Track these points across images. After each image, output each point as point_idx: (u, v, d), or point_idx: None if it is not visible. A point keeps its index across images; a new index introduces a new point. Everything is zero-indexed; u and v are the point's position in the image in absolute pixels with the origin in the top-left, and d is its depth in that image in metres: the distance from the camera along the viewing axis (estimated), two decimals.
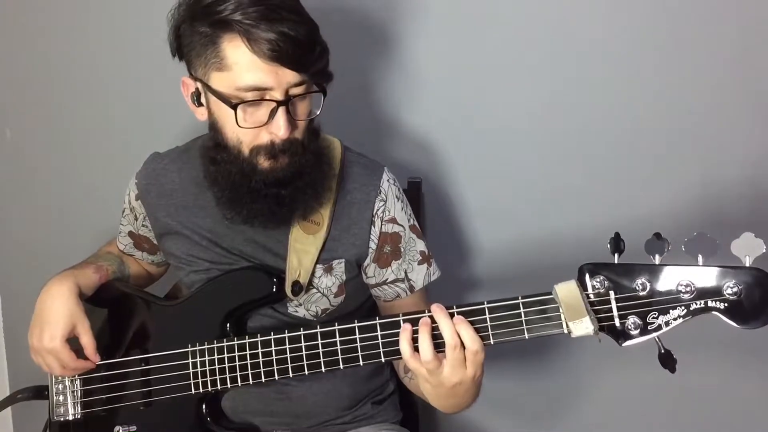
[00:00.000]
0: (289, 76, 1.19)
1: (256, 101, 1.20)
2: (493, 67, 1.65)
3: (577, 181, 1.65)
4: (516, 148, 1.68)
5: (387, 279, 1.42)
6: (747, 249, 1.01)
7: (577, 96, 1.62)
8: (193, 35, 1.22)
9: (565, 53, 1.61)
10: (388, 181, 1.41)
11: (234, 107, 1.21)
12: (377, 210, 1.38)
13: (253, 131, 1.23)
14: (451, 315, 1.14)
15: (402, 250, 1.41)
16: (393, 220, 1.40)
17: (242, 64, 1.18)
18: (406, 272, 1.42)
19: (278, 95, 1.20)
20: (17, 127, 2.05)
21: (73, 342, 1.38)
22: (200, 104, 1.29)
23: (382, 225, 1.39)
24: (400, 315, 1.20)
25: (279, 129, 1.21)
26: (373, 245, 1.39)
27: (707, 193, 1.53)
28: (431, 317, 1.15)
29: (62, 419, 1.47)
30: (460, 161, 1.72)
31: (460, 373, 1.14)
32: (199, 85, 1.27)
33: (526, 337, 1.12)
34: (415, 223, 1.45)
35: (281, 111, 1.20)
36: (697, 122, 1.57)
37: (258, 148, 1.24)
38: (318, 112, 1.27)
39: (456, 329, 1.13)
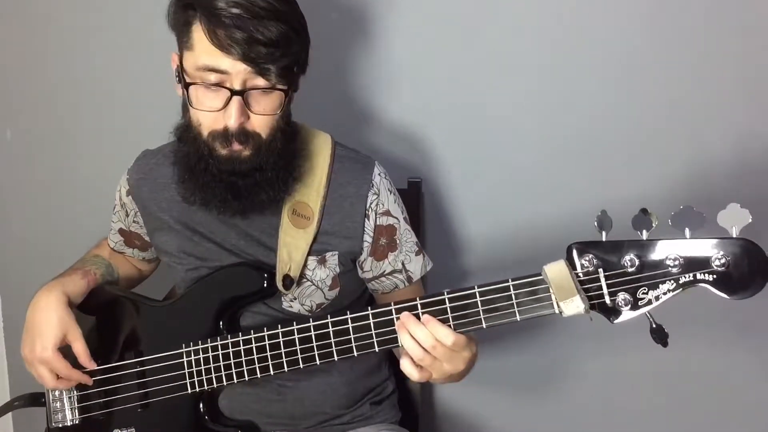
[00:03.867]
0: (244, 67, 1.19)
1: (213, 86, 1.21)
2: (493, 67, 1.65)
3: (576, 177, 1.64)
4: (515, 147, 1.68)
5: (384, 271, 1.42)
6: (733, 220, 1.01)
7: (572, 91, 1.62)
8: (177, 13, 1.24)
9: (559, 50, 1.61)
10: (379, 174, 1.40)
11: (186, 86, 1.23)
12: (371, 203, 1.38)
13: (211, 115, 1.23)
14: (419, 316, 1.17)
15: (398, 241, 1.41)
16: (387, 213, 1.40)
17: (202, 45, 1.20)
18: (403, 263, 1.42)
19: (236, 84, 1.20)
20: (17, 127, 2.05)
21: (67, 352, 1.38)
22: (180, 81, 1.29)
23: (376, 218, 1.39)
24: (392, 304, 1.20)
25: (229, 118, 1.21)
26: (368, 239, 1.39)
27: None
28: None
29: (60, 425, 1.47)
30: (459, 161, 1.72)
31: (457, 360, 1.17)
32: (179, 61, 1.28)
33: (518, 319, 1.12)
34: (407, 215, 1.45)
35: (235, 100, 1.21)
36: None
37: (215, 133, 1.24)
38: (279, 113, 1.26)
39: (429, 330, 1.15)
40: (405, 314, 1.17)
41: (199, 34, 1.20)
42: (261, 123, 1.25)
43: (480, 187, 1.72)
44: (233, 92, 1.20)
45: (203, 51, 1.19)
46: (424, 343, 1.15)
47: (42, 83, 1.99)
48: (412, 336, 1.15)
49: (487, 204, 1.72)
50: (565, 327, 1.71)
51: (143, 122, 1.88)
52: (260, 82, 1.21)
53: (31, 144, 2.05)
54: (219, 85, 1.20)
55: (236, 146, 1.24)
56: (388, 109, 1.73)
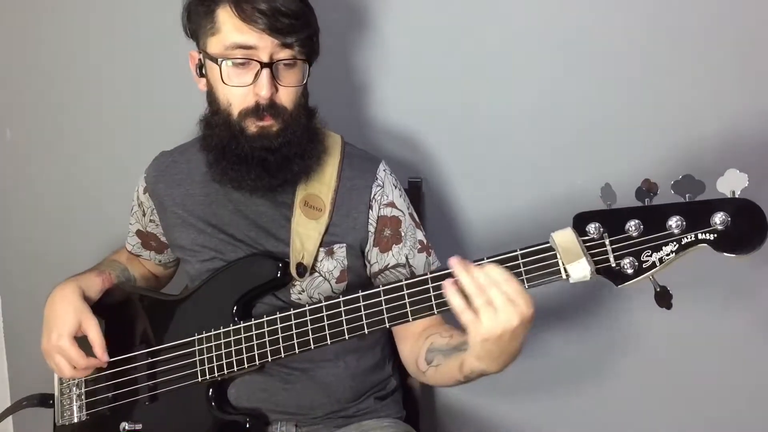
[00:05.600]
0: (271, 40, 1.29)
1: (243, 62, 1.30)
2: (492, 67, 1.69)
3: (577, 176, 1.66)
4: (514, 147, 1.70)
5: (388, 264, 1.45)
6: (732, 184, 1.05)
7: (572, 89, 1.64)
8: (198, 8, 1.34)
9: (558, 47, 1.64)
10: (384, 170, 1.47)
11: (219, 64, 1.31)
12: (374, 194, 1.44)
13: (241, 94, 1.32)
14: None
15: (402, 234, 1.45)
16: (391, 205, 1.45)
17: (230, 25, 1.30)
18: (407, 257, 1.45)
19: (264, 57, 1.30)
20: (17, 127, 2.08)
21: (82, 343, 1.39)
22: (202, 75, 1.38)
23: (380, 209, 1.44)
24: (403, 280, 1.22)
25: (261, 88, 1.30)
26: (371, 228, 1.43)
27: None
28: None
29: (67, 423, 1.47)
30: (460, 161, 1.75)
31: (512, 312, 1.09)
32: (201, 55, 1.37)
33: (526, 287, 1.14)
34: (414, 213, 1.49)
35: (264, 72, 1.30)
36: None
37: (246, 111, 1.32)
38: (304, 81, 1.36)
39: (486, 271, 1.11)
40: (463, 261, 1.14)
41: (224, 14, 1.30)
42: (288, 96, 1.34)
43: (481, 187, 1.74)
44: (263, 65, 1.29)
45: (230, 29, 1.29)
46: (481, 279, 1.11)
47: (42, 83, 2.03)
48: (468, 275, 1.12)
49: (488, 204, 1.74)
50: (565, 324, 1.72)
51: (142, 123, 1.94)
52: (285, 54, 1.31)
53: (31, 144, 2.08)
54: (248, 59, 1.29)
55: (267, 120, 1.32)
56: (388, 108, 1.78)
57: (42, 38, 2.01)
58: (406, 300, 1.22)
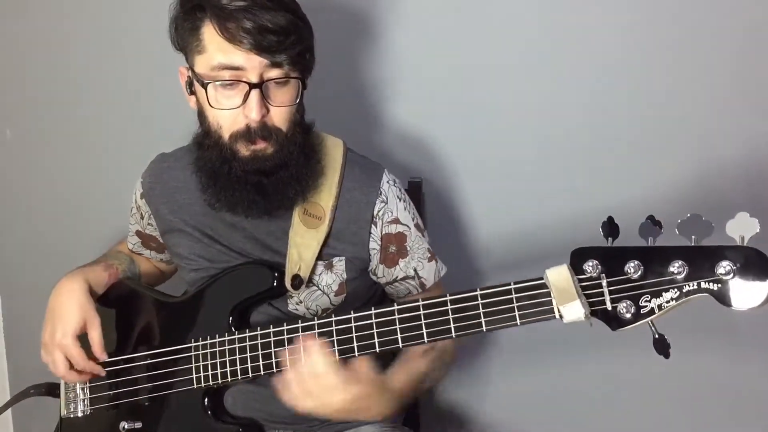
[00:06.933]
0: (259, 60, 1.21)
1: (231, 83, 1.22)
2: (493, 67, 1.65)
3: (578, 177, 1.63)
4: (515, 147, 1.67)
5: (396, 277, 1.42)
6: (742, 229, 0.98)
7: (574, 91, 1.61)
8: (184, 22, 1.26)
9: (562, 50, 1.61)
10: (388, 182, 1.41)
11: (204, 86, 1.24)
12: (378, 211, 1.38)
13: (231, 116, 1.24)
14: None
15: (408, 248, 1.41)
16: (396, 221, 1.40)
17: (215, 44, 1.22)
18: (415, 270, 1.42)
19: (253, 78, 1.22)
20: (17, 127, 2.09)
21: (83, 341, 1.39)
22: (192, 92, 1.31)
23: (384, 226, 1.39)
24: (395, 305, 1.19)
25: (251, 111, 1.22)
26: (375, 245, 1.39)
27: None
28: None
29: (72, 416, 1.49)
30: (460, 161, 1.72)
31: (322, 396, 1.20)
32: (189, 72, 1.30)
33: (518, 324, 1.10)
34: (420, 221, 1.45)
35: (254, 93, 1.22)
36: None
37: (236, 134, 1.25)
38: (297, 101, 1.28)
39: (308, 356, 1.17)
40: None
41: (209, 33, 1.22)
42: (280, 117, 1.26)
43: (481, 187, 1.72)
44: (251, 85, 1.22)
45: (216, 50, 1.22)
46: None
47: (42, 83, 2.02)
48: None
49: (488, 204, 1.72)
50: (569, 332, 1.68)
51: (142, 123, 1.93)
52: (275, 73, 1.23)
53: (31, 144, 2.08)
54: (236, 80, 1.22)
55: (260, 144, 1.25)
56: (388, 109, 1.74)
57: (42, 38, 2.00)
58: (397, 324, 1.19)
